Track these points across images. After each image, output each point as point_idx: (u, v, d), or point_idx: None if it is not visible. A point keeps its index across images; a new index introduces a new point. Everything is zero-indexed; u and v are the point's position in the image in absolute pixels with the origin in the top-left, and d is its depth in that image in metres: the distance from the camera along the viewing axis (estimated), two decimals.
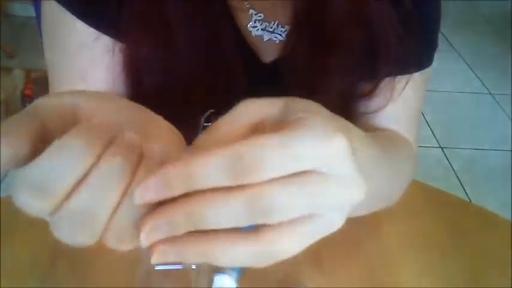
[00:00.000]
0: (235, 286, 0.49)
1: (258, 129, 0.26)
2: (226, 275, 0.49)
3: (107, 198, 0.22)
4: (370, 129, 0.57)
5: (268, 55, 0.53)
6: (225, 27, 0.50)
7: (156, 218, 0.23)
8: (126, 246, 0.24)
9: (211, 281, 0.49)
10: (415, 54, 0.53)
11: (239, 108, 0.26)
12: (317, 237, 0.25)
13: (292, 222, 0.23)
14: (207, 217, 0.22)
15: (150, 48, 0.48)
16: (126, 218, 0.23)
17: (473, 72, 2.72)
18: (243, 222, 0.23)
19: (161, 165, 0.23)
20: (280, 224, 0.23)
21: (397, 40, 0.49)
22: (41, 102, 0.25)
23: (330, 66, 0.51)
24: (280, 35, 0.52)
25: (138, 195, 0.22)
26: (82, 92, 0.27)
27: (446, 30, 2.71)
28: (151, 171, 0.23)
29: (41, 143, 0.23)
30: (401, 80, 0.54)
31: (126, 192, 0.23)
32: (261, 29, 0.52)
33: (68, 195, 0.22)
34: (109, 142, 0.23)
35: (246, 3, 0.51)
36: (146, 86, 0.51)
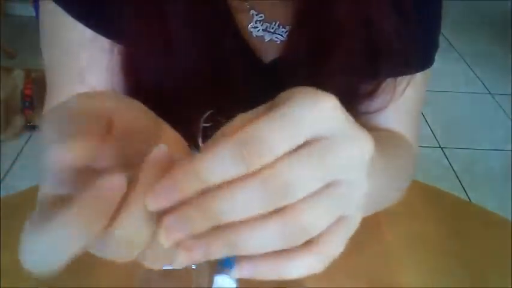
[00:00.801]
0: (235, 286, 0.49)
1: None
2: (227, 275, 0.49)
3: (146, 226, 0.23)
4: (370, 129, 0.57)
5: (269, 55, 0.53)
6: (225, 27, 0.50)
7: (171, 214, 0.23)
8: (160, 265, 0.25)
9: (211, 281, 0.49)
10: (416, 54, 0.53)
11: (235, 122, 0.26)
12: (344, 205, 0.25)
13: (313, 195, 0.23)
14: (224, 209, 0.22)
15: (149, 48, 0.48)
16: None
17: (473, 72, 2.73)
18: (263, 208, 0.22)
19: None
20: (303, 199, 0.23)
21: (398, 40, 0.49)
22: (84, 104, 0.25)
23: (331, 66, 0.51)
24: (281, 35, 0.52)
25: (151, 202, 0.22)
26: (120, 99, 0.27)
27: (446, 30, 2.71)
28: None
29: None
30: (402, 81, 0.54)
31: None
32: (262, 29, 0.52)
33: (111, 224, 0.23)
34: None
35: (246, 3, 0.51)
36: (145, 86, 0.51)
